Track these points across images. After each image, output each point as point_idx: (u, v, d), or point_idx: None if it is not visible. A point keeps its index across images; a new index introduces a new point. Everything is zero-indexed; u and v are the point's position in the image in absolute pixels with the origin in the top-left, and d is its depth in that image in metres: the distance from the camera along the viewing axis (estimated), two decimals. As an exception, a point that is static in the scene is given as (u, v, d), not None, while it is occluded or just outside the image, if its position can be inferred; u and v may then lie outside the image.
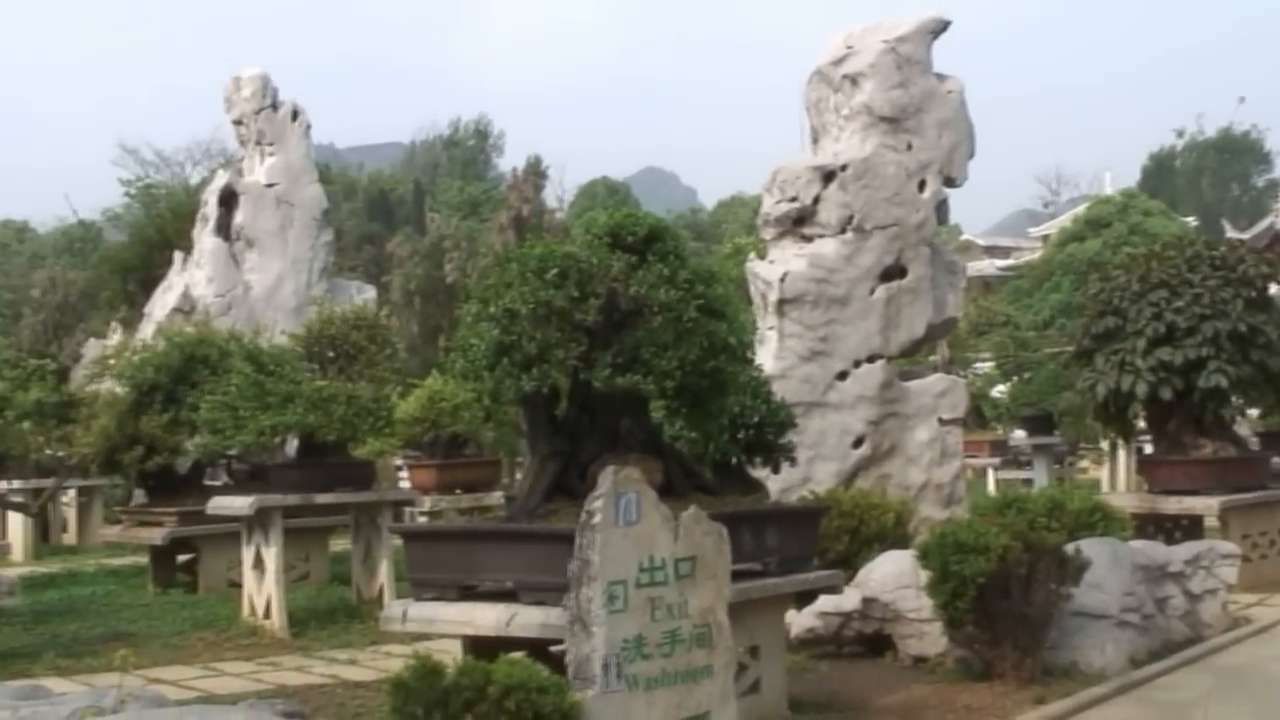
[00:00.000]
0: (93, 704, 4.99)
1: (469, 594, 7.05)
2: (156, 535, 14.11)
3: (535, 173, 57.28)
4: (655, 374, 6.97)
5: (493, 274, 7.78)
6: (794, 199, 13.24)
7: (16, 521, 19.01)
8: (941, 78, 13.69)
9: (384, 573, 12.56)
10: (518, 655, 6.08)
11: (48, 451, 14.09)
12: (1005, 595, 8.49)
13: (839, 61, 13.68)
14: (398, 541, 12.80)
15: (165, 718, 4.62)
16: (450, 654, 6.56)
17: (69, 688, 8.21)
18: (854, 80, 13.49)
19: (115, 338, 24.57)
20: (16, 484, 17.41)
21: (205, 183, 30.07)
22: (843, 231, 13.08)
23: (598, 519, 5.53)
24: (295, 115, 23.59)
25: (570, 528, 5.81)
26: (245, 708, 4.90)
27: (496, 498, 18.01)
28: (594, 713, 5.42)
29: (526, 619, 6.51)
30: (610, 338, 7.07)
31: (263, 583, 11.92)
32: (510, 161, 70.27)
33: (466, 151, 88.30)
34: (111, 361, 15.48)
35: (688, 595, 5.89)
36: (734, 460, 8.77)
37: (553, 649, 6.46)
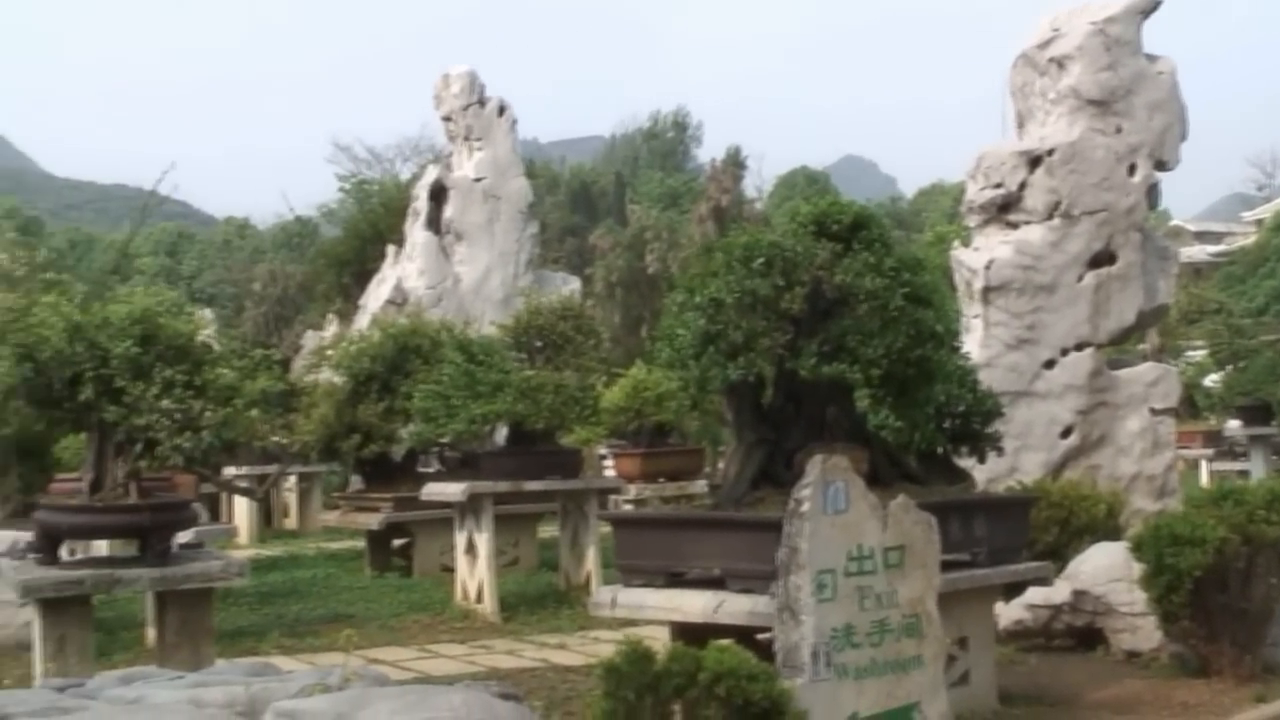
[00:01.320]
0: (319, 681, 5.20)
1: (676, 580, 7.13)
2: (373, 520, 14.62)
3: (734, 163, 57.29)
4: (861, 362, 6.93)
5: (697, 263, 7.84)
6: (999, 185, 12.99)
7: (241, 506, 19.94)
8: (1152, 58, 13.22)
9: (591, 559, 12.77)
10: (725, 642, 6.13)
11: (272, 439, 14.77)
12: (1222, 589, 8.20)
13: (1045, 44, 13.34)
14: (604, 528, 13.04)
15: (388, 696, 4.78)
16: (655, 639, 6.65)
17: (293, 666, 8.59)
18: (1061, 63, 13.15)
19: (331, 329, 25.55)
20: (242, 470, 18.29)
21: (415, 178, 30.92)
22: (1050, 217, 12.78)
23: (806, 507, 5.54)
24: (502, 110, 24.12)
25: (777, 516, 5.83)
26: (463, 689, 5.05)
27: (700, 486, 18.10)
28: (803, 701, 5.43)
29: (734, 606, 6.55)
30: (816, 326, 7.05)
31: (475, 567, 12.25)
32: (709, 153, 70.44)
33: (665, 143, 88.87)
34: (329, 352, 16.11)
35: (896, 585, 5.85)
36: (939, 450, 8.64)
37: (759, 636, 6.49)
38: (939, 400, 8.31)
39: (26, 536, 12.06)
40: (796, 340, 7.05)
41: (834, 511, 5.63)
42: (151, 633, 10.69)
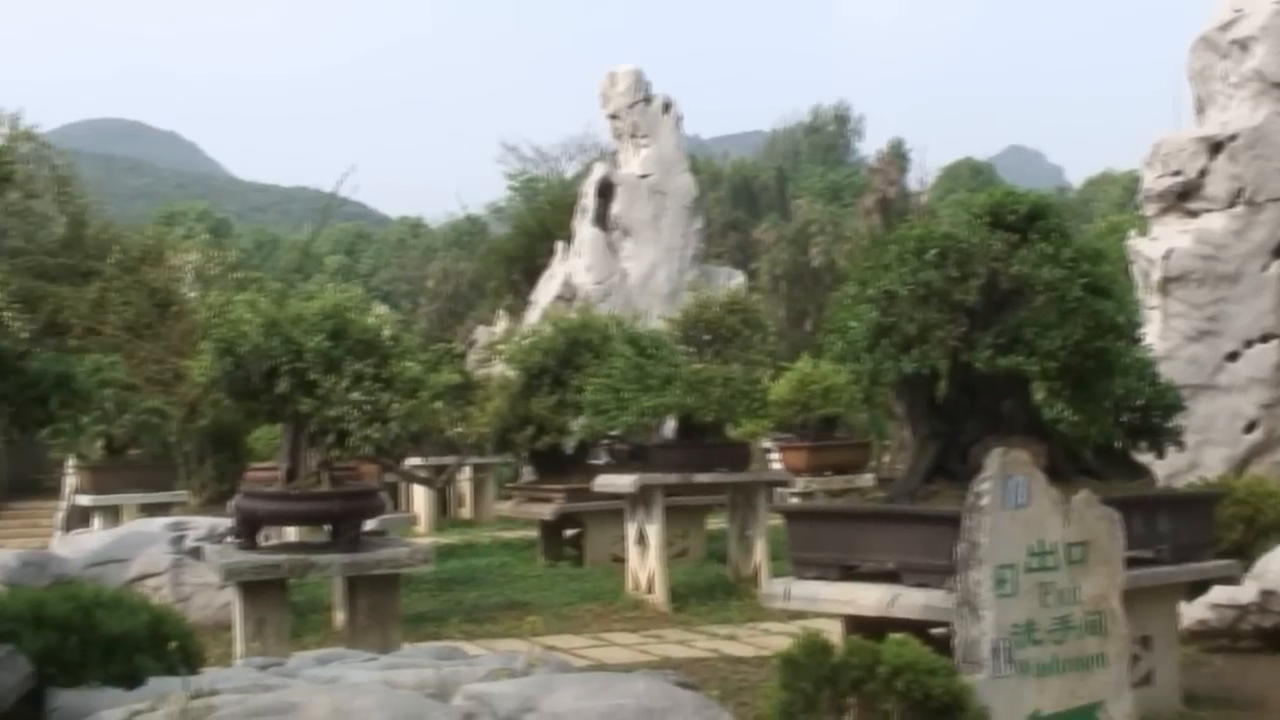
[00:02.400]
0: (505, 666, 5.36)
1: (849, 574, 7.14)
2: (546, 511, 14.90)
3: (897, 155, 56.54)
4: (1038, 354, 6.85)
5: (870, 256, 7.84)
6: (1177, 173, 12.63)
7: (419, 495, 20.50)
8: (1341, 38, 12.70)
9: (760, 551, 12.82)
10: (902, 636, 6.13)
11: (449, 431, 15.16)
12: None
13: (1226, 26, 12.92)
14: (772, 521, 13.07)
15: (572, 682, 4.91)
16: (825, 632, 6.68)
17: (474, 651, 8.85)
18: (1243, 45, 12.72)
19: (501, 324, 26.05)
20: (420, 461, 18.79)
21: (580, 176, 31.34)
22: (1232, 205, 12.38)
23: (986, 501, 5.52)
24: (667, 108, 24.32)
25: (954, 510, 5.82)
26: (646, 676, 5.16)
27: (867, 480, 17.98)
28: (984, 697, 5.40)
29: (909, 600, 6.54)
30: (991, 318, 6.99)
31: (645, 558, 12.41)
32: (870, 146, 69.67)
33: (826, 137, 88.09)
34: (499, 347, 16.47)
35: (1079, 581, 5.78)
36: (1117, 444, 8.48)
37: (933, 631, 6.47)
38: (1118, 393, 8.15)
39: (223, 522, 12.68)
40: (971, 332, 6.99)
41: (1014, 506, 5.59)
42: (338, 616, 11.11)
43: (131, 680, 5.23)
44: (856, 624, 6.98)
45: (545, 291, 24.19)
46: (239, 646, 7.29)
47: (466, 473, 22.50)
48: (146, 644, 5.53)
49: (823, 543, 7.26)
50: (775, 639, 10.20)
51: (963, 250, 7.02)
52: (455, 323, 37.81)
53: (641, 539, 12.49)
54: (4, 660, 4.56)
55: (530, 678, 5.09)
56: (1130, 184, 52.18)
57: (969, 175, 72.27)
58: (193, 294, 25.62)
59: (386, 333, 7.38)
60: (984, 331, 6.96)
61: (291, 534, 10.36)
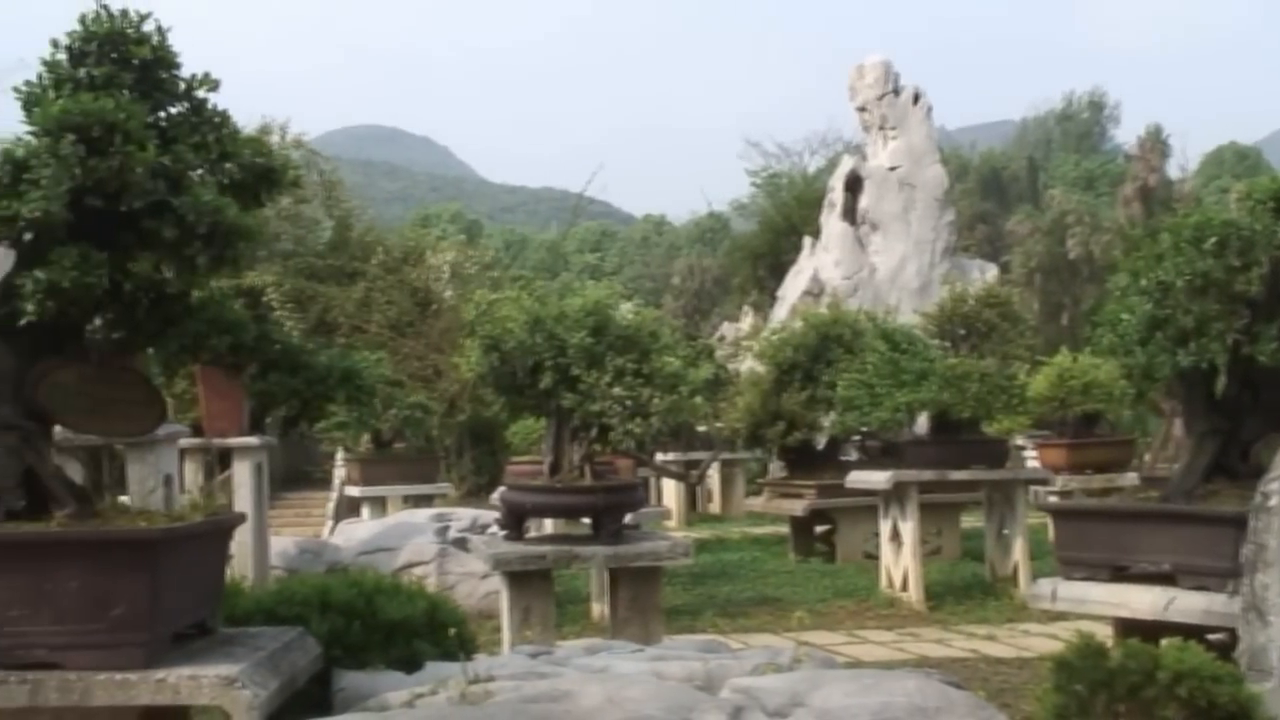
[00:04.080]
0: (771, 660, 5.37)
1: (1120, 575, 6.88)
2: (797, 507, 14.88)
3: (1157, 142, 54.21)
4: (1332, 348, 6.46)
5: (1142, 245, 7.52)
6: None
7: (670, 490, 20.74)
8: None
9: (1019, 550, 12.49)
10: (1182, 641, 5.87)
11: (700, 428, 15.28)
12: None
13: None
14: (1030, 519, 12.72)
15: (841, 679, 4.87)
16: (1090, 635, 6.44)
17: (731, 645, 8.90)
18: None
19: (747, 320, 26.11)
20: (670, 456, 19.01)
21: (824, 170, 31.17)
22: None
23: (1275, 501, 5.24)
24: (916, 99, 23.93)
25: (1239, 510, 5.54)
26: (916, 674, 5.09)
27: (1130, 479, 17.28)
28: (1272, 707, 5.13)
29: (1186, 604, 6.25)
30: (1275, 309, 6.62)
31: (899, 555, 12.25)
32: (1126, 133, 67.07)
33: (1080, 125, 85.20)
34: (745, 343, 16.50)
35: (1378, 587, 5.42)
36: None
37: (1210, 637, 6.17)
38: None
39: (484, 514, 13.09)
40: (1253, 325, 6.64)
41: (1307, 506, 5.28)
42: (596, 607, 11.35)
43: (410, 664, 5.45)
44: (1127, 627, 6.72)
45: (792, 287, 24.11)
46: (506, 634, 7.50)
47: (715, 468, 22.66)
48: (424, 630, 5.76)
49: (1092, 543, 7.01)
50: (1036, 640, 9.94)
51: (1244, 238, 6.66)
52: (700, 319, 38.14)
53: (895, 536, 12.34)
54: (297, 642, 4.80)
55: (797, 673, 5.08)
56: None
57: (1234, 160, 68.75)
58: (449, 293, 26.57)
59: (647, 329, 7.47)
60: (1268, 323, 6.59)
61: (549, 526, 10.61)
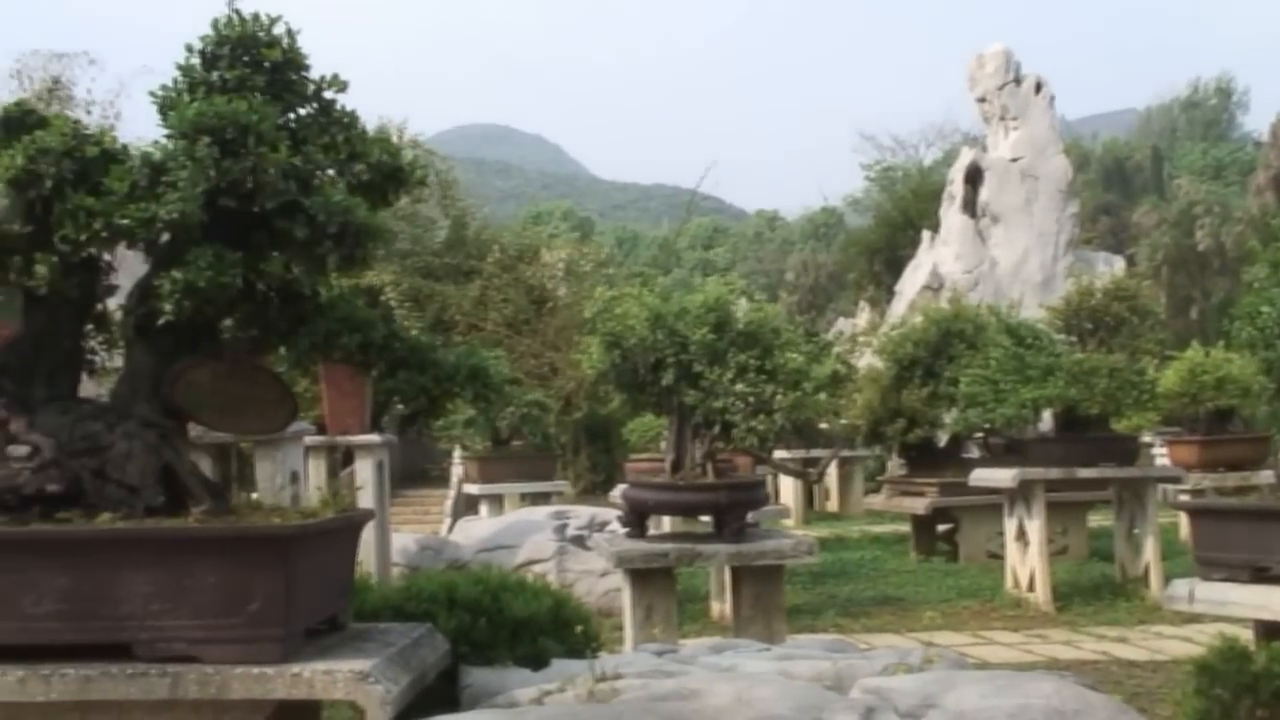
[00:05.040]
0: (901, 661, 5.27)
1: (1262, 576, 6.64)
2: (919, 505, 14.68)
3: (1290, 127, 52.51)
4: None
5: (1283, 236, 7.27)
6: None
7: (787, 487, 20.61)
8: None
9: (1150, 550, 12.16)
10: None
11: (822, 424, 15.15)
12: None
13: None
14: (1162, 519, 12.38)
15: (975, 680, 4.75)
16: (1234, 638, 6.23)
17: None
18: None
19: (863, 316, 25.86)
20: (787, 453, 18.87)
21: (940, 163, 30.74)
22: None
23: None
24: (1038, 88, 23.46)
25: (1394, 510, 5.30)
26: (1054, 676, 4.95)
27: (1266, 476, 16.76)
28: None
29: (1334, 606, 6.02)
30: None
31: (1026, 555, 12.00)
32: (1256, 120, 65.21)
33: (1207, 112, 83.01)
34: (860, 339, 16.31)
35: None
36: None
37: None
38: None
39: (602, 512, 13.11)
40: (1405, 316, 6.39)
41: None
42: (715, 606, 11.30)
43: (536, 661, 5.45)
44: (1269, 630, 6.48)
45: (911, 281, 23.80)
46: (628, 632, 7.49)
47: (833, 465, 22.46)
48: (549, 627, 5.76)
49: (1233, 543, 6.77)
50: (1169, 643, 9.67)
51: (1394, 225, 6.41)
52: (815, 315, 37.90)
53: (1021, 535, 12.09)
54: (426, 638, 4.83)
55: (928, 673, 4.97)
56: None
57: (1372, 146, 66.35)
58: (562, 290, 26.72)
59: (770, 324, 7.40)
60: None
61: (666, 524, 10.59)
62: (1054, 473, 11.81)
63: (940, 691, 4.65)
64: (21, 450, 4.27)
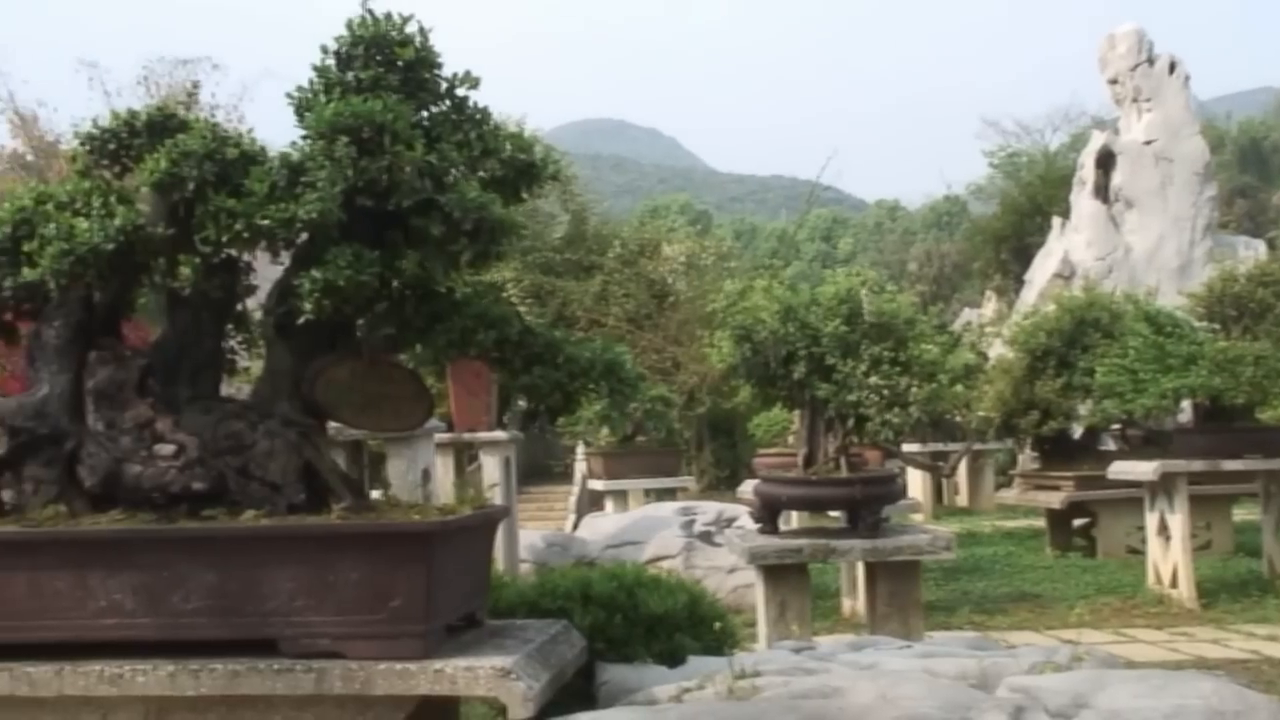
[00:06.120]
0: (1048, 659, 5.12)
1: None
2: (1054, 499, 14.34)
3: None
4: None
5: None
6: None
7: (916, 481, 20.31)
8: None
9: (1300, 546, 11.74)
10: None
11: (955, 416, 14.88)
12: None
13: None
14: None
15: (1127, 679, 4.59)
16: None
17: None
18: None
19: (990, 305, 25.37)
20: (916, 447, 18.60)
21: (1067, 147, 30.04)
22: None
23: None
24: (1173, 68, 22.77)
25: None
26: (1211, 676, 4.77)
27: None
28: None
29: None
30: None
31: (1168, 550, 11.65)
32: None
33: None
34: (987, 329, 15.96)
35: None
36: None
37: None
38: None
39: (729, 508, 13.04)
40: None
41: None
42: (846, 603, 11.16)
43: (672, 658, 5.40)
44: None
45: (1041, 270, 23.27)
46: (762, 629, 7.41)
47: (962, 459, 22.08)
48: (685, 624, 5.70)
49: (1397, 537, 6.49)
50: (1322, 642, 9.34)
51: None
52: (940, 305, 37.33)
53: (1163, 529, 11.74)
54: (563, 634, 4.81)
55: (1078, 672, 4.82)
56: None
57: None
58: (682, 285, 26.65)
59: (904, 315, 7.26)
60: None
61: (795, 519, 10.48)
62: (1197, 465, 11.44)
63: (1091, 691, 4.50)
64: (168, 449, 4.34)
